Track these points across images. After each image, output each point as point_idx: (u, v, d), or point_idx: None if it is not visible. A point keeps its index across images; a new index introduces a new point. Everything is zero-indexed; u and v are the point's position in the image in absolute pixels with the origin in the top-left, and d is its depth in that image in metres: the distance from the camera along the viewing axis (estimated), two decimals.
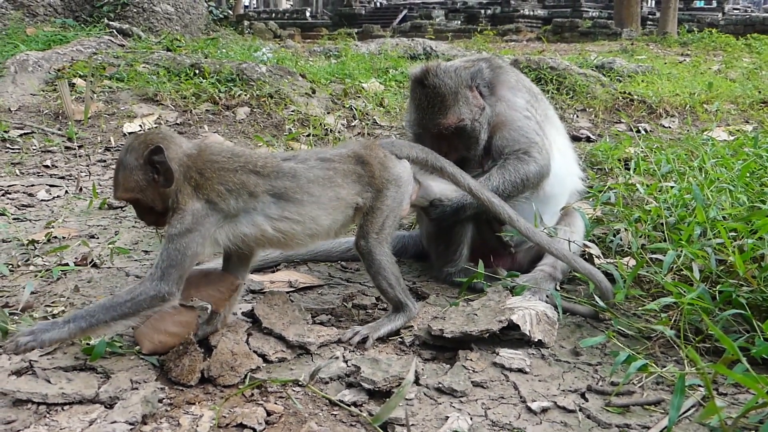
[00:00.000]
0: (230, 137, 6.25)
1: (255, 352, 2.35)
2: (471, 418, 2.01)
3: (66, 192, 4.64)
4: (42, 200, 4.44)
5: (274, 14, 43.67)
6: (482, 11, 36.67)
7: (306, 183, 2.43)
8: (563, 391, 2.19)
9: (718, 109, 7.50)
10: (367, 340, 2.46)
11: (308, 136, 6.15)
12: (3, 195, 4.49)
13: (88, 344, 2.30)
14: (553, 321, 2.55)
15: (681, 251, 2.68)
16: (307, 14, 44.81)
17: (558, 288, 2.95)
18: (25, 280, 2.99)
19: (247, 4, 53.67)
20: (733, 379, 2.16)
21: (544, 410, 2.07)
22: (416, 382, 2.21)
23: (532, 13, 35.53)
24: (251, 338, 2.44)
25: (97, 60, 7.90)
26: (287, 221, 2.41)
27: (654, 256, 2.81)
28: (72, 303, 2.79)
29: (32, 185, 4.73)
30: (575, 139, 6.41)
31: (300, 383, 2.20)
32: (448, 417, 2.00)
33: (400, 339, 2.55)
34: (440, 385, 2.18)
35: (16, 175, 5.00)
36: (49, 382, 2.09)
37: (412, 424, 1.97)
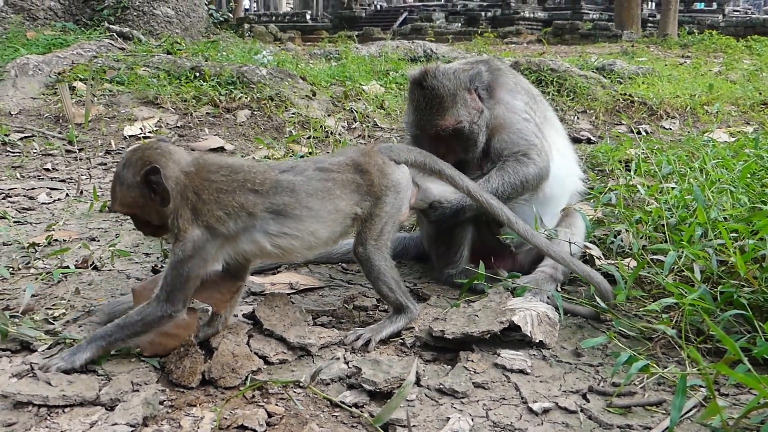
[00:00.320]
0: (231, 140, 6.25)
1: (256, 353, 2.35)
2: (472, 419, 2.00)
3: (67, 195, 4.64)
4: (42, 203, 4.45)
5: (274, 17, 43.73)
6: (482, 13, 36.69)
7: (305, 197, 2.42)
8: (564, 392, 2.19)
9: (718, 110, 7.50)
10: (369, 342, 2.46)
11: (309, 138, 6.15)
12: (4, 198, 4.49)
13: None
14: (554, 322, 2.55)
15: (682, 252, 2.68)
16: (308, 17, 44.89)
17: (559, 289, 2.95)
18: (25, 282, 2.99)
19: (247, 7, 53.74)
20: (735, 380, 2.17)
21: (546, 411, 2.07)
22: (417, 383, 2.21)
23: (532, 15, 35.55)
24: (252, 340, 2.44)
25: (98, 63, 7.91)
26: (286, 237, 2.41)
27: (655, 257, 2.80)
28: (73, 305, 2.79)
29: (33, 188, 4.73)
30: (576, 140, 6.41)
31: (301, 384, 2.20)
32: (449, 418, 2.00)
33: (401, 340, 2.54)
34: (441, 386, 2.17)
35: (17, 178, 5.01)
36: (49, 384, 2.08)
37: (413, 425, 1.97)
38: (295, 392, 2.16)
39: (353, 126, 6.99)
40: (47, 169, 5.26)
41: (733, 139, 5.55)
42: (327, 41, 17.53)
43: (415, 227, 3.75)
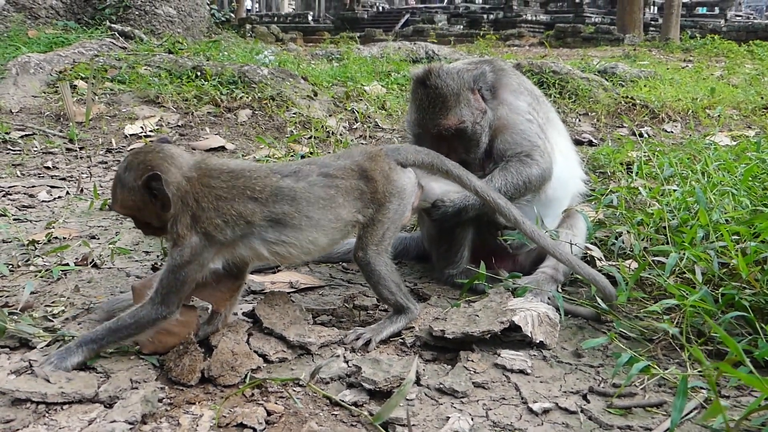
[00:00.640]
0: (232, 139, 6.25)
1: (255, 352, 2.34)
2: (472, 419, 2.00)
3: (67, 193, 4.63)
4: (43, 201, 4.44)
5: (276, 18, 43.75)
6: (485, 16, 36.70)
7: (305, 206, 2.39)
8: (565, 392, 2.18)
9: (720, 114, 7.50)
10: (369, 343, 2.45)
11: (310, 138, 6.15)
12: (4, 196, 4.48)
13: None
14: (554, 322, 2.54)
15: (683, 254, 2.67)
16: (310, 18, 44.92)
17: (559, 290, 2.94)
18: (25, 280, 2.98)
19: (249, 7, 53.79)
20: (736, 382, 2.17)
21: (546, 411, 2.06)
22: (417, 382, 2.20)
23: (534, 18, 35.55)
24: (252, 338, 2.43)
25: (99, 62, 7.90)
26: (284, 245, 2.40)
27: (656, 258, 2.80)
28: (72, 303, 2.78)
29: (33, 186, 4.73)
30: (577, 143, 6.40)
31: (300, 383, 2.19)
32: (449, 417, 1.99)
33: (401, 340, 2.54)
34: (441, 386, 2.17)
35: (17, 176, 5.00)
36: (48, 381, 2.07)
37: (413, 425, 1.96)
38: (294, 391, 2.15)
39: (354, 126, 6.98)
40: (48, 167, 5.26)
41: (734, 143, 5.54)
42: (329, 42, 17.52)
43: (415, 227, 3.74)
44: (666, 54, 18.30)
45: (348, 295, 2.93)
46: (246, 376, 2.21)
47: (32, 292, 2.80)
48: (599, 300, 2.63)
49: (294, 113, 6.93)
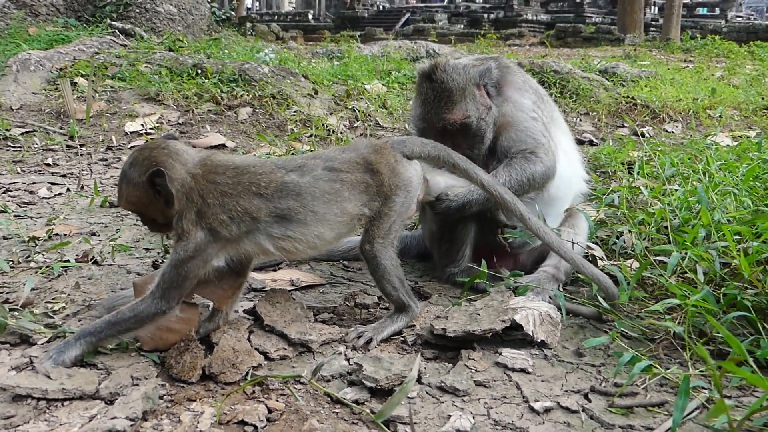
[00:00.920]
0: (232, 137, 6.25)
1: (256, 349, 2.34)
2: (473, 417, 1.99)
3: (67, 190, 4.63)
4: (43, 198, 4.43)
5: (276, 16, 43.71)
6: (485, 15, 36.67)
7: (310, 201, 2.38)
8: (566, 391, 2.17)
9: (721, 114, 7.49)
10: (371, 341, 2.44)
11: (310, 136, 6.14)
12: (4, 192, 4.48)
13: None
14: (556, 322, 2.54)
15: (685, 253, 2.67)
16: (310, 17, 44.88)
17: (561, 289, 2.94)
18: (25, 276, 2.98)
19: (249, 6, 53.74)
20: (738, 382, 2.16)
21: (547, 410, 2.05)
22: (418, 380, 2.20)
23: (535, 17, 35.54)
24: (253, 336, 2.43)
25: (99, 59, 7.90)
26: (289, 240, 2.39)
27: (658, 258, 2.79)
28: (72, 299, 2.78)
29: (33, 183, 4.72)
30: (578, 142, 6.35)
31: (302, 381, 2.18)
32: (450, 416, 1.99)
33: (402, 338, 2.53)
34: (442, 384, 2.16)
35: (18, 173, 5.00)
36: (49, 377, 2.07)
37: (415, 423, 1.96)
38: (295, 388, 2.15)
39: (355, 125, 6.98)
40: (48, 164, 5.25)
41: (735, 143, 5.54)
42: (329, 41, 17.50)
43: (417, 225, 3.74)
44: (667, 54, 18.30)
45: (349, 293, 2.93)
46: (247, 373, 2.21)
47: (33, 289, 2.79)
48: (601, 299, 2.62)
49: (294, 111, 6.93)
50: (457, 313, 2.55)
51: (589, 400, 2.12)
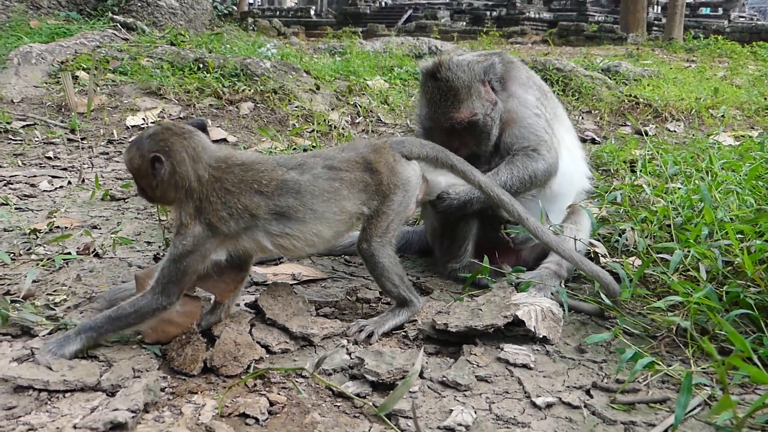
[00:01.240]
0: (233, 132, 6.24)
1: (258, 342, 2.33)
2: (475, 412, 1.99)
3: (69, 183, 4.62)
4: (44, 191, 4.43)
5: (278, 12, 43.62)
6: (488, 13, 36.59)
7: (309, 199, 2.38)
8: (568, 387, 2.17)
9: (724, 114, 7.49)
10: (372, 335, 2.44)
11: (312, 132, 6.13)
12: (5, 185, 4.47)
13: None
14: (558, 318, 2.53)
15: (688, 251, 2.67)
16: (312, 13, 44.76)
17: (563, 285, 2.93)
18: (26, 268, 2.97)
19: (251, 1, 53.68)
20: (740, 380, 2.16)
21: (549, 406, 2.05)
22: (420, 375, 2.19)
23: (537, 15, 35.47)
24: (254, 329, 2.43)
25: (101, 53, 7.88)
26: (288, 237, 2.39)
27: (660, 255, 2.79)
28: (74, 292, 2.77)
29: (34, 176, 4.72)
30: (581, 140, 6.38)
31: (303, 374, 2.18)
32: (452, 410, 1.99)
33: (403, 333, 2.53)
34: (444, 379, 2.16)
35: (19, 165, 4.99)
36: (50, 369, 2.06)
37: (417, 417, 1.95)
38: (297, 381, 2.14)
39: (357, 120, 6.97)
40: (49, 157, 5.24)
41: (737, 143, 5.54)
42: (331, 37, 17.49)
43: (418, 221, 3.73)
44: (669, 54, 18.28)
45: (350, 288, 2.92)
46: (248, 366, 2.21)
47: (34, 281, 2.79)
48: (603, 296, 2.62)
49: (296, 106, 6.92)
50: (458, 308, 2.54)
51: (591, 396, 2.12)
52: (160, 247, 3.41)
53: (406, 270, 3.13)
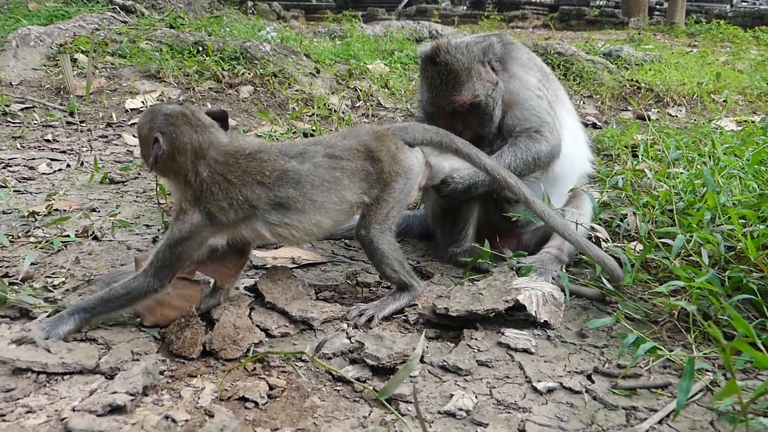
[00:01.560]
0: (233, 116, 6.20)
1: (257, 326, 2.32)
2: (476, 397, 1.98)
3: (67, 166, 4.59)
4: (43, 173, 4.40)
5: None
6: None
7: (309, 189, 2.36)
8: (569, 372, 2.16)
9: (726, 99, 7.44)
10: (372, 319, 2.43)
11: (312, 115, 6.10)
12: (4, 168, 4.44)
13: None
14: (559, 302, 2.52)
15: (690, 236, 2.65)
16: None
17: (564, 270, 2.92)
18: (25, 251, 2.95)
19: None
20: (742, 365, 2.15)
21: (550, 391, 2.04)
22: (421, 359, 2.18)
23: (538, 0, 35.25)
24: (254, 312, 2.41)
25: (100, 36, 7.82)
26: (287, 227, 2.38)
27: (662, 240, 2.77)
28: (72, 274, 2.76)
29: (33, 159, 4.69)
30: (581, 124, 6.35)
31: (303, 358, 2.17)
32: (452, 395, 1.98)
33: (404, 317, 2.52)
34: (445, 364, 2.15)
35: (17, 148, 4.96)
36: (49, 351, 2.06)
37: (418, 401, 1.94)
38: (297, 365, 2.13)
39: (357, 104, 6.93)
40: (48, 140, 5.21)
41: (739, 128, 5.50)
42: (331, 20, 17.37)
43: (419, 205, 3.71)
44: (671, 38, 18.16)
45: (351, 272, 2.91)
46: (248, 350, 2.20)
47: (32, 263, 2.77)
48: (604, 281, 2.61)
49: (296, 90, 6.88)
50: (459, 292, 2.53)
51: (592, 381, 2.11)
52: (159, 230, 3.39)
53: (406, 254, 3.13)
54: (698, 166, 3.52)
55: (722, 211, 2.76)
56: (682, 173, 3.38)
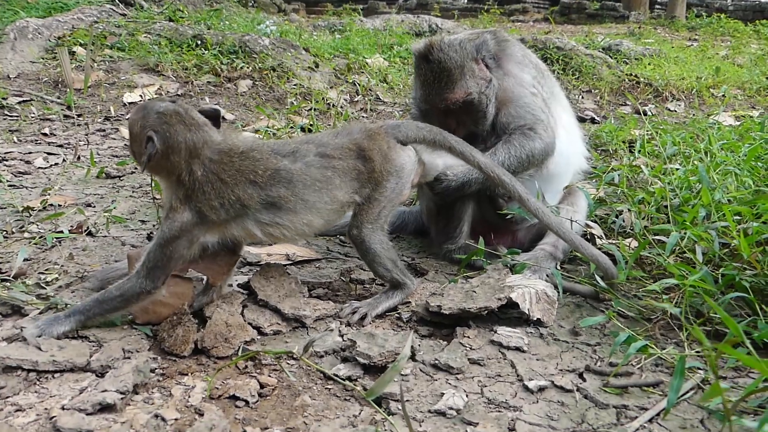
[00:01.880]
0: (231, 109, 6.19)
1: (250, 324, 2.32)
2: (467, 395, 1.98)
3: (64, 160, 4.59)
4: (39, 168, 4.40)
5: None
6: None
7: (301, 189, 2.36)
8: (561, 370, 2.16)
9: (725, 93, 7.43)
10: (365, 317, 2.43)
11: (310, 110, 6.09)
12: (0, 162, 4.44)
13: None
14: (552, 300, 2.52)
15: (684, 233, 2.64)
16: None
17: (558, 267, 2.91)
18: (18, 246, 2.95)
19: None
20: (734, 363, 2.15)
21: (541, 389, 2.04)
22: (412, 357, 2.18)
23: None
24: (246, 310, 2.41)
25: (98, 29, 7.81)
26: (278, 227, 2.37)
27: (657, 237, 2.77)
28: (66, 271, 2.76)
29: (30, 153, 4.68)
30: (580, 120, 6.29)
31: (294, 356, 2.17)
32: (443, 393, 1.97)
33: (397, 314, 2.51)
34: (436, 362, 2.15)
35: (14, 142, 4.95)
36: (39, 349, 2.05)
37: (407, 400, 1.94)
38: (288, 364, 2.13)
39: (355, 99, 6.92)
40: (45, 134, 5.20)
41: (738, 123, 5.49)
42: (331, 14, 17.32)
43: (414, 201, 3.71)
44: (671, 32, 18.10)
45: (344, 269, 2.90)
46: (239, 348, 2.20)
47: (26, 259, 2.77)
48: (598, 278, 2.60)
49: (295, 84, 6.86)
50: (453, 290, 2.52)
51: (584, 380, 2.11)
52: (154, 226, 3.39)
53: (401, 251, 3.13)
54: (694, 162, 3.51)
55: (717, 208, 2.75)
56: (677, 169, 3.38)
